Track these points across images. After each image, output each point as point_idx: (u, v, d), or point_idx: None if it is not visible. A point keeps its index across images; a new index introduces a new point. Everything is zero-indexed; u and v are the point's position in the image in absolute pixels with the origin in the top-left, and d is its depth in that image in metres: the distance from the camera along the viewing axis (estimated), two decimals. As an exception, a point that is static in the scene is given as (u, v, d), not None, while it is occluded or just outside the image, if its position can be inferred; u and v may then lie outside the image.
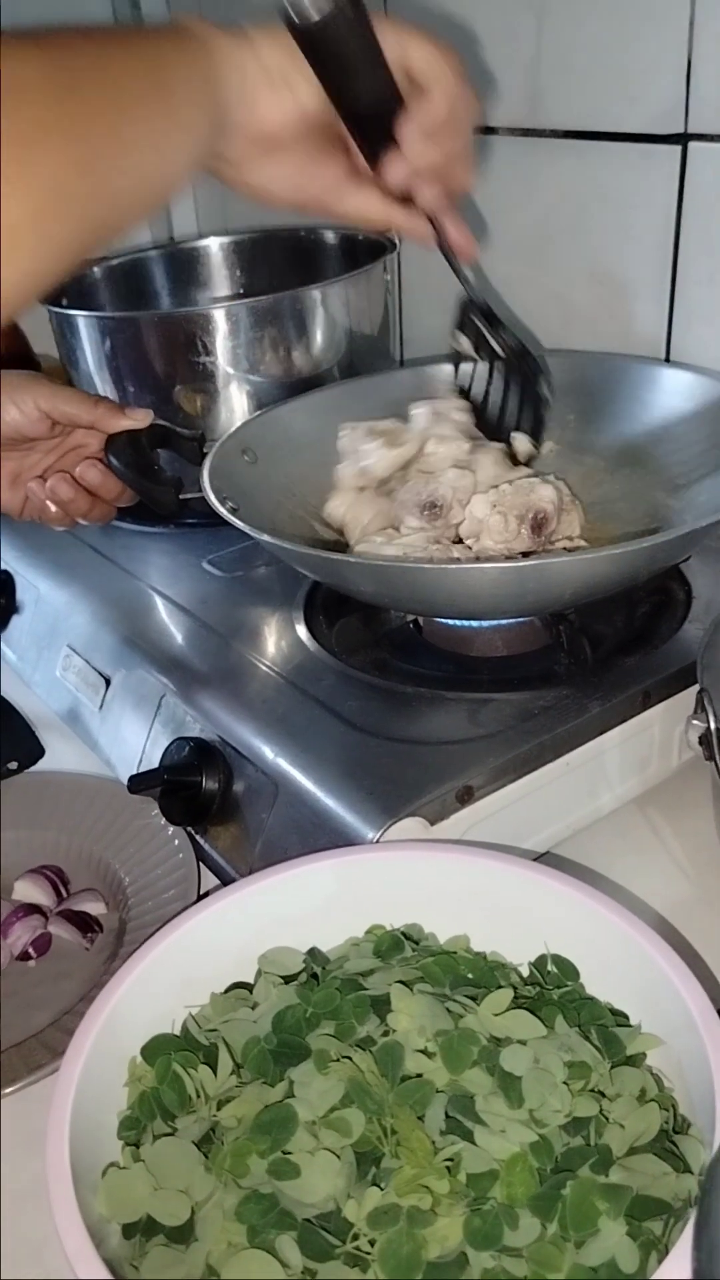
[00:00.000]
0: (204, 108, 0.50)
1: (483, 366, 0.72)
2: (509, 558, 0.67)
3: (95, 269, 1.01)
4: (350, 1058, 0.43)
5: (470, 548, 0.69)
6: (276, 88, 0.52)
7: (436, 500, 0.69)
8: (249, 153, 0.54)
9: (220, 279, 1.08)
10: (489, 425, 0.73)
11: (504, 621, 0.70)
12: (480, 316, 0.71)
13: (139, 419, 0.69)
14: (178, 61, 0.48)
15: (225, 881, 0.65)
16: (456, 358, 0.73)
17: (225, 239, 1.08)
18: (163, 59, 0.47)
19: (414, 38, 0.55)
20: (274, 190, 0.57)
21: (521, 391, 0.72)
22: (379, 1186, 0.39)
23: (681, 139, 0.80)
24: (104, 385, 0.87)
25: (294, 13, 0.51)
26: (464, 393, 0.74)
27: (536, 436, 0.74)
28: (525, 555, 0.68)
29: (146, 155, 0.45)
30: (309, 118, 0.54)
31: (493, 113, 0.93)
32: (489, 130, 0.95)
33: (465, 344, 0.71)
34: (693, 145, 0.80)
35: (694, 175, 0.81)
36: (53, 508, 0.68)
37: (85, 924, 0.64)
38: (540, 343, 0.97)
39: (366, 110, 0.55)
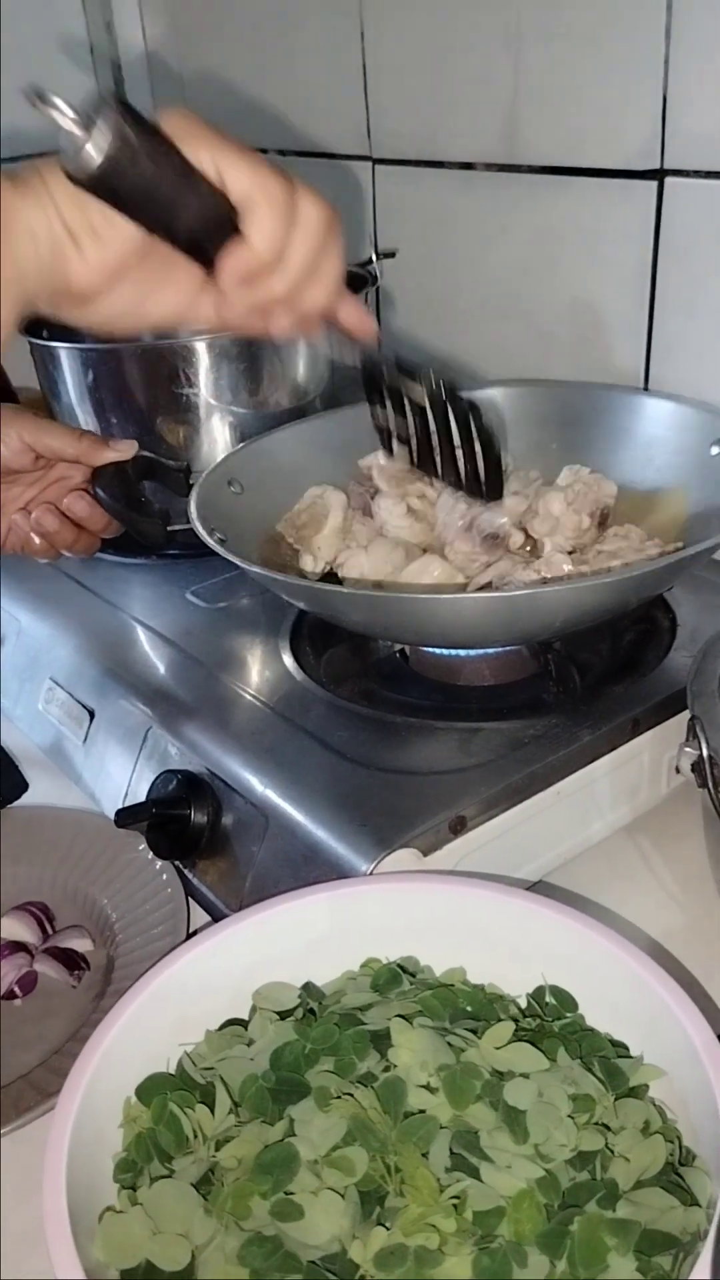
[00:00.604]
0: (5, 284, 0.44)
1: (415, 419, 0.64)
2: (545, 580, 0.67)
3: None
4: (351, 1094, 0.43)
5: (535, 566, 0.68)
6: (83, 244, 0.45)
7: (499, 532, 0.68)
8: (78, 301, 0.47)
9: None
10: (443, 472, 0.65)
11: (491, 650, 0.70)
12: (392, 370, 0.63)
13: (124, 451, 0.69)
14: None
15: (215, 916, 0.64)
16: (385, 435, 0.65)
17: (205, 272, 1.09)
18: None
19: (231, 160, 0.46)
20: (121, 325, 0.50)
21: (466, 429, 0.64)
22: (384, 1226, 0.39)
23: (658, 174, 0.81)
24: (86, 417, 0.87)
25: (71, 166, 0.43)
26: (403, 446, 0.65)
27: (498, 474, 0.65)
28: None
29: None
30: (134, 252, 0.47)
31: (470, 148, 0.95)
32: (466, 166, 0.96)
33: (383, 415, 0.64)
34: (669, 180, 0.81)
35: (670, 210, 0.82)
36: (37, 540, 0.68)
37: (72, 961, 0.63)
38: (521, 375, 0.98)
39: (193, 238, 0.47)
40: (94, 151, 0.42)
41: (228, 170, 0.46)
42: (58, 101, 0.42)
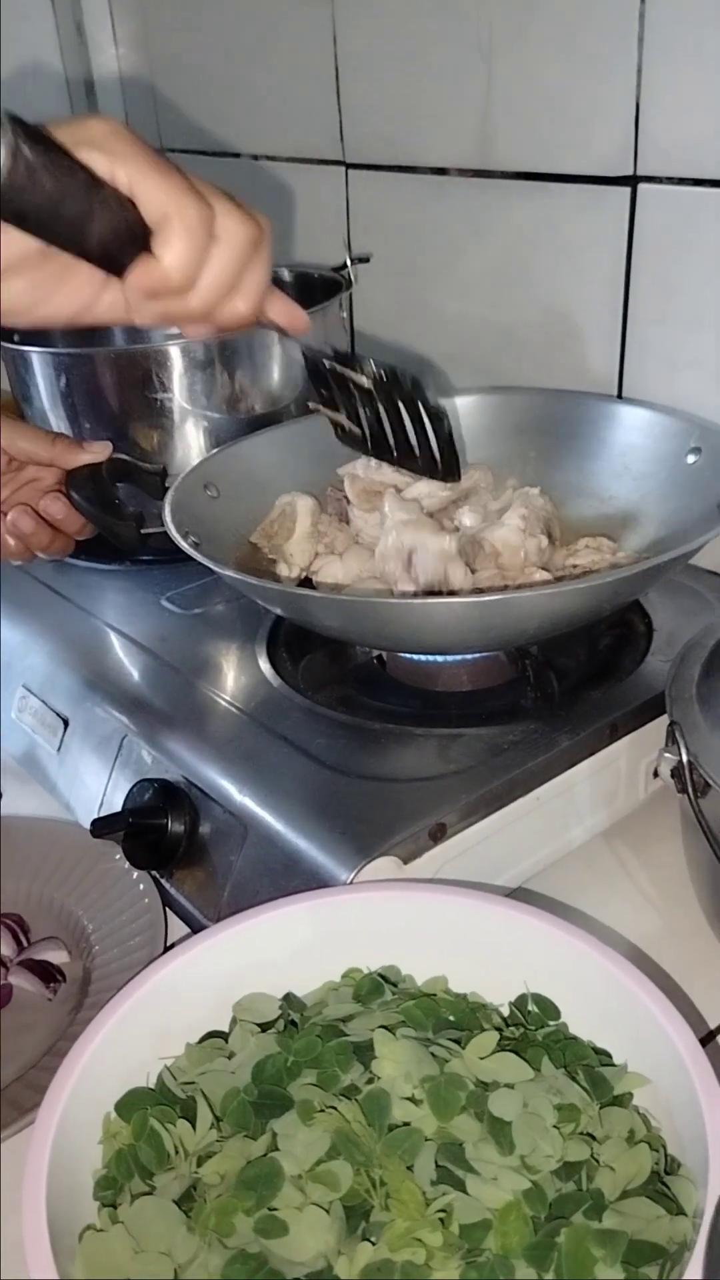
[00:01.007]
0: None
1: (363, 407, 0.64)
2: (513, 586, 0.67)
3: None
4: (335, 1107, 0.42)
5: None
6: None
7: (435, 577, 0.67)
8: None
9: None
10: (398, 456, 0.65)
11: (469, 656, 0.70)
12: (331, 360, 0.62)
13: (98, 452, 0.69)
14: None
15: (193, 926, 0.63)
16: (338, 431, 0.65)
17: (177, 276, 1.08)
18: None
19: (146, 177, 0.44)
20: (17, 320, 0.47)
21: (414, 410, 0.63)
22: (370, 1241, 0.38)
23: (631, 181, 0.82)
24: (59, 421, 0.86)
25: None
26: (356, 437, 0.65)
27: (452, 451, 0.65)
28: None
29: None
30: (30, 254, 0.45)
31: (444, 153, 0.95)
32: (440, 171, 0.96)
33: (329, 410, 0.64)
34: (642, 187, 0.81)
35: (643, 216, 0.82)
36: (11, 542, 0.67)
37: (47, 974, 0.62)
38: (494, 380, 0.98)
39: (100, 252, 0.45)
40: None
41: (142, 187, 0.44)
42: None
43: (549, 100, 0.85)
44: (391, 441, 0.63)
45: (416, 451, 0.64)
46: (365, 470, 0.73)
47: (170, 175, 0.45)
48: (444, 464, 0.64)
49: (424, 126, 0.96)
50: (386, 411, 0.63)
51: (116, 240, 0.45)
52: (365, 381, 0.62)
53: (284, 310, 0.55)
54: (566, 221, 0.87)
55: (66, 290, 0.47)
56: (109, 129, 0.44)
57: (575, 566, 0.68)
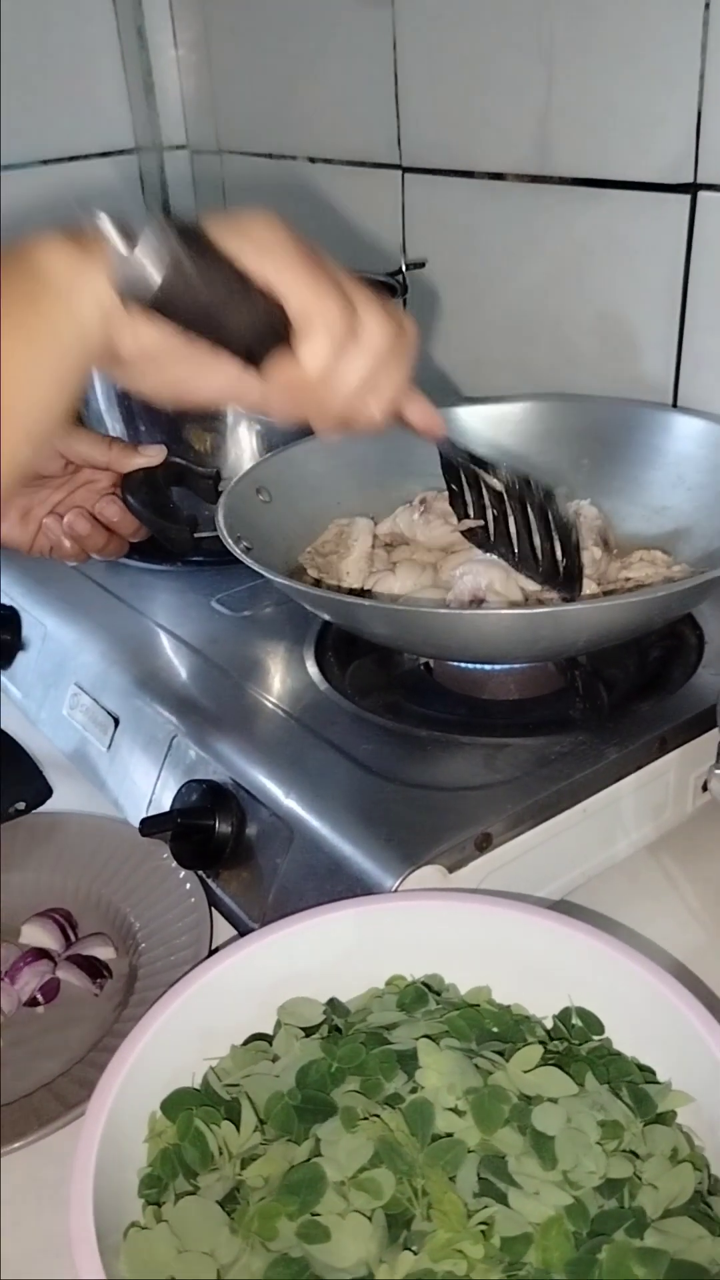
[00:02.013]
0: (61, 350, 0.43)
1: (490, 507, 0.66)
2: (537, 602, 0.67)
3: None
4: (378, 1115, 0.43)
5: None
6: (135, 322, 0.44)
7: (479, 594, 0.67)
8: (126, 371, 0.47)
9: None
10: (518, 559, 0.67)
11: (517, 665, 0.70)
12: (466, 461, 0.65)
13: (153, 456, 0.69)
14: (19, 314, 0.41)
15: (238, 927, 0.64)
16: (472, 535, 0.68)
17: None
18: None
19: (295, 277, 0.45)
20: (165, 399, 0.49)
21: (544, 519, 0.65)
22: (411, 1250, 0.39)
23: (691, 188, 0.81)
24: (114, 424, 0.87)
25: (123, 288, 0.42)
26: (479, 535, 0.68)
27: (575, 562, 0.66)
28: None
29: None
30: (179, 343, 0.46)
31: (501, 158, 0.95)
32: (497, 176, 0.96)
33: (460, 499, 0.66)
34: (702, 195, 0.81)
35: (703, 224, 0.81)
36: (67, 543, 0.68)
37: (94, 969, 0.63)
38: (548, 386, 0.97)
39: (242, 347, 0.46)
40: (148, 279, 0.42)
41: (290, 287, 0.45)
42: (108, 227, 0.42)
43: (609, 106, 0.84)
44: (515, 545, 0.66)
45: (539, 557, 0.65)
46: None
47: (318, 276, 0.46)
48: (565, 575, 0.65)
49: (482, 131, 0.96)
50: (514, 514, 0.65)
51: (259, 337, 0.46)
52: (498, 485, 0.64)
53: (421, 413, 0.55)
54: (624, 228, 0.87)
55: (207, 379, 0.48)
56: (267, 228, 0.45)
57: (628, 580, 0.68)
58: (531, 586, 0.67)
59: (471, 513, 0.66)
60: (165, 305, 0.43)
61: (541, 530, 0.64)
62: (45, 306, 0.42)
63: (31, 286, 0.41)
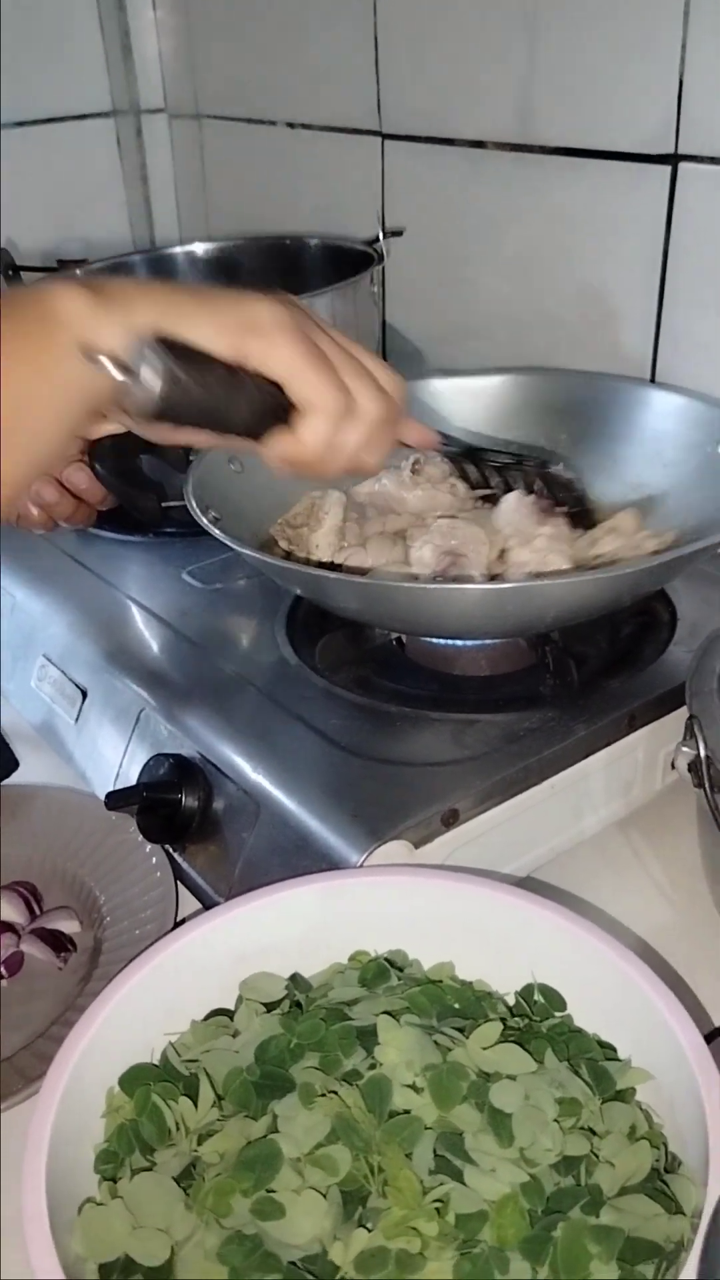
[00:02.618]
0: (72, 392, 0.45)
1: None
2: (494, 577, 0.67)
3: (77, 271, 1.00)
4: (336, 1092, 0.42)
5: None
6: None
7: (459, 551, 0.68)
8: (131, 421, 0.50)
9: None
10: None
11: (488, 641, 0.69)
12: (464, 458, 0.71)
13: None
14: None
15: (203, 901, 0.63)
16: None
17: (209, 245, 1.07)
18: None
19: (297, 370, 0.49)
20: (181, 444, 0.53)
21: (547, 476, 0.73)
22: (366, 1227, 0.38)
23: (672, 159, 0.80)
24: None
25: (127, 406, 0.46)
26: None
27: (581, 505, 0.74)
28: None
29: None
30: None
31: (482, 126, 0.93)
32: (478, 144, 0.94)
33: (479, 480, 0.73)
34: (683, 166, 0.80)
35: (683, 196, 0.81)
36: (35, 511, 0.67)
37: (59, 943, 0.62)
38: (526, 358, 0.96)
39: (238, 431, 0.51)
40: (148, 399, 0.46)
41: (292, 380, 0.49)
42: (105, 361, 0.45)
43: (591, 75, 0.83)
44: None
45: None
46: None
47: (317, 362, 0.50)
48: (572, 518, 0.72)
49: (463, 99, 0.94)
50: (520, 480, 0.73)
51: (258, 421, 0.50)
52: (499, 459, 0.73)
53: (414, 434, 0.60)
54: (605, 199, 0.86)
55: (211, 444, 0.52)
56: (272, 316, 0.49)
57: (598, 556, 0.68)
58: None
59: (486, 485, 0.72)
60: (166, 415, 0.47)
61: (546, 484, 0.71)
62: (60, 349, 0.44)
63: (49, 327, 0.44)
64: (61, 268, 1.09)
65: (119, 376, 0.45)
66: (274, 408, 0.50)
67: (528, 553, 0.67)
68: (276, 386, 0.49)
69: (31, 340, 0.44)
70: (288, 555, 0.72)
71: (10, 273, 0.96)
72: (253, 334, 0.48)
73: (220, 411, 0.48)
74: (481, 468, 0.74)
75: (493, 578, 0.67)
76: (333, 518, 0.71)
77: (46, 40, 1.26)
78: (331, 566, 0.71)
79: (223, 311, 0.48)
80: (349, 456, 0.53)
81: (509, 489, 0.72)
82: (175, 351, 0.46)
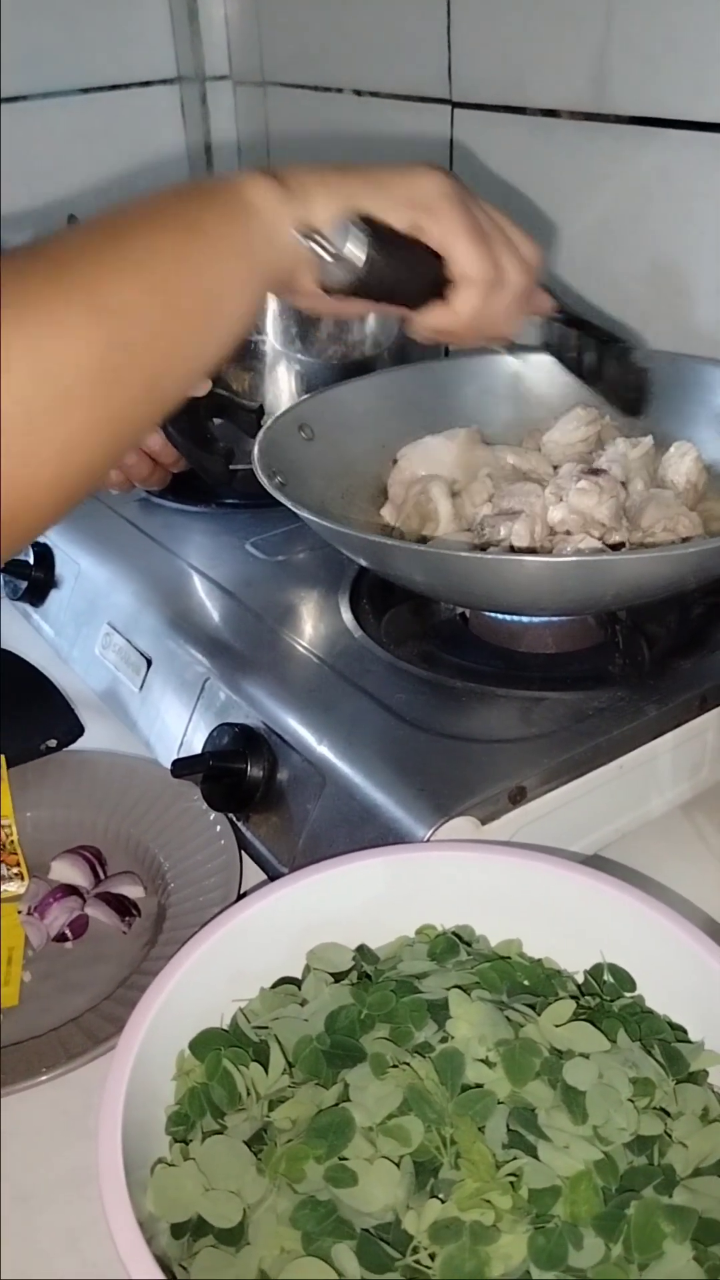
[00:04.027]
0: (261, 272, 0.48)
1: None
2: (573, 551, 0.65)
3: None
4: (408, 1064, 0.42)
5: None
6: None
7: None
8: (297, 298, 0.54)
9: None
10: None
11: (554, 619, 0.69)
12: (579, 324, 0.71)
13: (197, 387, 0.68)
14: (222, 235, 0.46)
15: (267, 871, 0.64)
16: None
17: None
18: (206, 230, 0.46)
19: (460, 243, 0.53)
20: (342, 314, 0.59)
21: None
22: (439, 1199, 0.38)
23: (753, 130, 0.78)
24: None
25: (330, 285, 0.51)
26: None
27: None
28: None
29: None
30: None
31: (556, 94, 0.91)
32: (550, 113, 0.93)
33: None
34: (765, 137, 0.78)
35: (764, 168, 0.79)
36: (113, 473, 0.68)
37: (123, 907, 0.63)
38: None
39: (404, 301, 0.55)
40: (348, 277, 0.50)
41: (454, 251, 0.53)
42: (311, 243, 0.49)
43: (669, 42, 0.81)
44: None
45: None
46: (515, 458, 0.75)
47: (479, 241, 0.53)
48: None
49: (536, 66, 0.93)
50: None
51: (422, 295, 0.54)
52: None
53: (541, 300, 0.63)
54: (681, 171, 0.84)
55: (368, 311, 0.57)
56: (438, 190, 0.53)
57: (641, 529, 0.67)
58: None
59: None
60: (359, 291, 0.51)
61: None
62: (251, 231, 0.47)
63: (243, 213, 0.47)
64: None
65: (325, 257, 0.49)
66: (434, 281, 0.54)
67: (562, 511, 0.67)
68: (436, 257, 0.53)
69: (231, 224, 0.46)
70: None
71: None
72: (421, 209, 0.52)
73: (402, 284, 0.52)
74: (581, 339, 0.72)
75: (550, 550, 0.66)
76: (444, 509, 0.71)
77: (112, 6, 1.26)
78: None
79: (393, 189, 0.52)
80: (493, 324, 0.57)
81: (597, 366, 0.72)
82: (376, 231, 0.50)
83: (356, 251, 0.50)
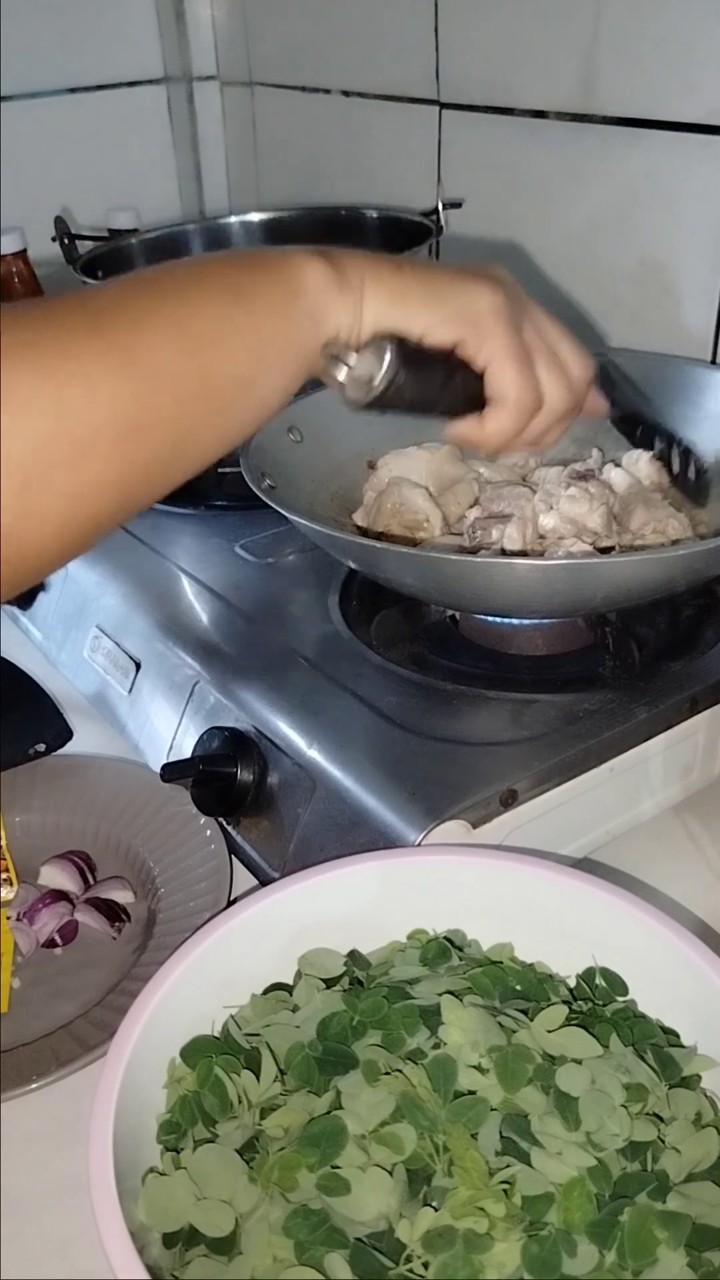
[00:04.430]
0: (302, 357, 0.48)
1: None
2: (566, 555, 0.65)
3: (132, 240, 0.99)
4: (401, 1070, 0.42)
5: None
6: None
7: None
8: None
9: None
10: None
11: (544, 620, 0.69)
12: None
13: None
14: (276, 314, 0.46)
15: (257, 875, 0.64)
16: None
17: (263, 215, 1.06)
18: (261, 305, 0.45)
19: (502, 365, 0.51)
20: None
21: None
22: (432, 1206, 0.38)
23: (740, 131, 0.78)
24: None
25: (351, 398, 0.49)
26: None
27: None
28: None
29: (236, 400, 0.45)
30: None
31: (543, 95, 0.91)
32: (538, 114, 0.93)
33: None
34: (752, 138, 0.78)
35: (751, 169, 0.79)
36: None
37: (113, 913, 0.63)
38: (581, 332, 0.95)
39: (440, 415, 0.54)
40: (365, 394, 0.48)
41: (495, 371, 0.51)
42: (348, 359, 0.48)
43: (656, 43, 0.81)
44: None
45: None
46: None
47: (520, 365, 0.52)
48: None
49: (524, 67, 0.93)
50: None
51: (451, 410, 0.53)
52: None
53: (592, 404, 0.60)
54: (668, 172, 0.84)
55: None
56: (490, 307, 0.51)
57: (630, 532, 0.67)
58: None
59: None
60: (373, 407, 0.49)
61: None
62: (297, 310, 0.46)
63: (291, 290, 0.46)
64: (112, 237, 1.08)
65: (344, 378, 0.48)
66: (471, 398, 0.52)
67: (553, 519, 0.67)
68: (479, 374, 0.51)
69: (280, 300, 0.45)
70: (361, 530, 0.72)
71: (66, 240, 0.95)
72: (471, 325, 0.50)
73: (424, 404, 0.51)
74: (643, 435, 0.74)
75: (541, 554, 0.66)
76: (434, 517, 0.71)
77: (99, 6, 1.25)
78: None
79: (447, 300, 0.50)
80: (525, 444, 0.55)
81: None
82: (406, 354, 0.48)
83: (380, 377, 0.48)
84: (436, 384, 0.50)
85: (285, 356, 0.46)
